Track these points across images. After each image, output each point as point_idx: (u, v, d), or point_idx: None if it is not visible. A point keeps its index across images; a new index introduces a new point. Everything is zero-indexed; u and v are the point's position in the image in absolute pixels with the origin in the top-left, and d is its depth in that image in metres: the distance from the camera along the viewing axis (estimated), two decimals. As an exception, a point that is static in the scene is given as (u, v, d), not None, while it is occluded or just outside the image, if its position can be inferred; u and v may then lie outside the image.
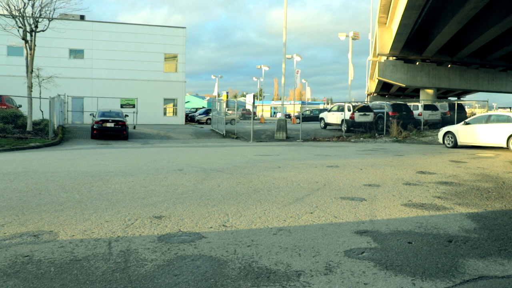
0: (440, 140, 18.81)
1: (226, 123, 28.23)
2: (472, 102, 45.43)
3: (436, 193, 7.45)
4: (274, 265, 3.92)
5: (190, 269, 3.81)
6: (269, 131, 27.55)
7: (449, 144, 18.09)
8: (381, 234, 4.93)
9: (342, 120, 27.26)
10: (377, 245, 4.52)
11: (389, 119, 25.86)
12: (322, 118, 31.36)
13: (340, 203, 6.56)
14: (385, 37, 37.10)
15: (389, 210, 6.15)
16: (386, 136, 24.29)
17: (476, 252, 4.36)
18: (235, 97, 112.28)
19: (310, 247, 4.43)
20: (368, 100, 55.78)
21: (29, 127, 20.85)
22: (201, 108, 54.34)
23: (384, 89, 57.48)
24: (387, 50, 37.01)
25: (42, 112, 23.52)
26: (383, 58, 39.29)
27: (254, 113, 32.15)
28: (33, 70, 21.84)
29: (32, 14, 20.38)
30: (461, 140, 17.55)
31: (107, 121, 22.34)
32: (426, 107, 29.05)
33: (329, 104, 67.62)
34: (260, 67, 66.63)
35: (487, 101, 29.86)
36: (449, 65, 40.48)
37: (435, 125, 27.23)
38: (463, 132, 17.47)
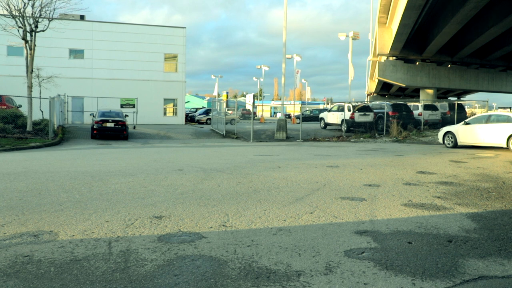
0: (440, 140, 18.81)
1: (226, 123, 28.24)
2: (472, 102, 45.45)
3: (436, 193, 7.45)
4: (274, 265, 3.92)
5: (190, 269, 3.81)
6: (269, 131, 27.55)
7: (449, 144, 18.09)
8: (381, 234, 4.93)
9: (342, 120, 27.26)
10: (377, 245, 4.52)
11: (389, 119, 25.86)
12: (322, 118, 31.37)
13: (340, 203, 6.56)
14: (385, 37, 37.10)
15: (389, 210, 6.15)
16: (386, 136, 24.29)
17: (476, 252, 4.36)
18: (235, 97, 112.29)
19: (310, 247, 4.43)
20: (368, 100, 55.78)
21: (29, 127, 20.85)
22: (201, 108, 54.34)
23: (384, 89, 57.48)
24: (387, 50, 37.01)
25: (42, 112, 23.52)
26: (383, 58, 39.29)
27: (254, 113, 32.15)
28: (33, 70, 21.85)
29: (32, 14, 20.38)
30: (461, 140, 17.55)
31: (107, 121, 22.34)
32: (426, 107, 29.05)
33: (329, 104, 67.60)
34: (260, 67, 66.68)
35: (487, 101, 29.88)
36: (449, 65, 40.49)
37: (435, 125, 27.23)
38: (463, 132, 17.48)
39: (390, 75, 38.83)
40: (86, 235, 4.75)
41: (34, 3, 20.21)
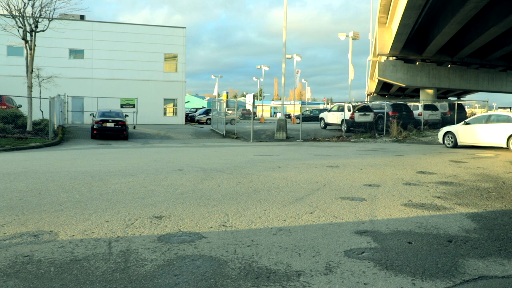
0: (440, 140, 18.81)
1: (226, 123, 28.24)
2: (472, 102, 45.45)
3: (436, 193, 7.45)
4: (274, 265, 3.92)
5: (190, 269, 3.81)
6: (269, 131, 27.55)
7: (449, 144, 18.09)
8: (381, 234, 4.93)
9: (342, 120, 27.26)
10: (377, 245, 4.52)
11: (389, 119, 25.86)
12: (322, 118, 31.37)
13: (340, 203, 6.56)
14: (385, 37, 37.10)
15: (389, 210, 6.15)
16: (386, 136, 24.29)
17: (476, 252, 4.36)
18: (235, 97, 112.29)
19: (310, 247, 4.43)
20: (368, 100, 55.79)
21: (29, 127, 20.85)
22: (201, 108, 54.35)
23: (384, 89, 57.49)
24: (387, 50, 37.01)
25: (42, 112, 23.52)
26: (383, 58, 39.30)
27: (254, 113, 32.15)
28: (33, 70, 21.85)
29: (32, 14, 20.38)
30: (461, 140, 17.55)
31: (107, 121, 22.35)
32: (426, 107, 29.05)
33: (329, 104, 67.60)
34: (260, 67, 66.69)
35: (487, 101, 29.88)
36: (449, 65, 40.49)
37: (435, 125, 27.24)
38: (463, 132, 17.48)
39: (390, 75, 38.84)
40: (86, 235, 4.75)
41: (34, 3, 20.21)
